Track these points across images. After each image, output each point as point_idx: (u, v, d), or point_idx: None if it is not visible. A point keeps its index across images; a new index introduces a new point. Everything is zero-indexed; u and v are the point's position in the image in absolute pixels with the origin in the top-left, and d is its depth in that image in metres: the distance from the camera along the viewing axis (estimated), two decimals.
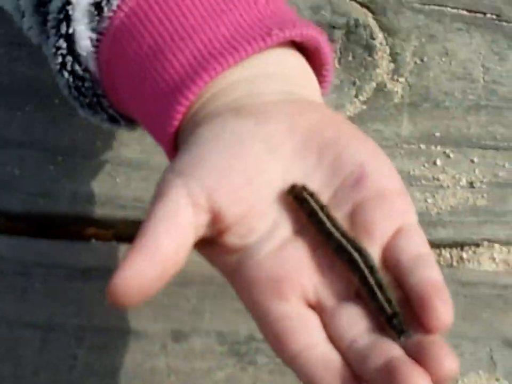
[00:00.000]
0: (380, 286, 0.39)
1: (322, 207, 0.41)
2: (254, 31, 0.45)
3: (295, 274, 0.41)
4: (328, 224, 0.40)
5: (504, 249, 0.56)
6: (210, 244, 0.42)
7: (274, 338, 0.40)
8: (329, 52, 0.47)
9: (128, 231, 0.58)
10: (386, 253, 0.42)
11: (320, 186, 0.42)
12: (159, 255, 0.39)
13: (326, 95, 0.53)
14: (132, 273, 0.37)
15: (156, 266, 0.38)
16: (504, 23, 0.59)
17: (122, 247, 0.55)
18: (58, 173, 0.55)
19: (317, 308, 0.40)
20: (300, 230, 0.42)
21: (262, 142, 0.42)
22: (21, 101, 0.57)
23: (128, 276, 0.37)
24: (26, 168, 0.56)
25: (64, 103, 0.55)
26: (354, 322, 0.40)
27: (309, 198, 0.41)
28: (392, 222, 0.42)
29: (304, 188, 0.41)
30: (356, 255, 0.39)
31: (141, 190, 0.55)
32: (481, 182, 0.56)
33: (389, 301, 0.38)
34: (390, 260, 0.41)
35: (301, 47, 0.47)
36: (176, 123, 0.44)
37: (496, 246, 0.56)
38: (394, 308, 0.38)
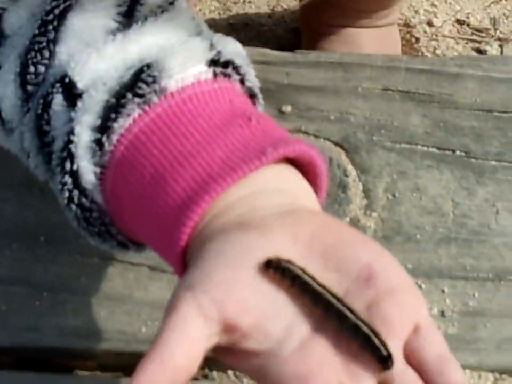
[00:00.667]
0: (376, 336, 0.39)
1: (303, 270, 0.41)
2: (249, 151, 0.46)
3: (320, 370, 0.40)
4: (315, 284, 0.41)
5: (475, 373, 0.56)
6: (230, 351, 0.42)
7: None
8: (321, 164, 0.47)
9: (111, 362, 0.59)
10: (408, 350, 0.41)
11: (334, 286, 0.42)
12: (172, 364, 0.39)
13: None
14: (147, 380, 0.37)
15: (169, 375, 0.39)
16: (473, 160, 0.61)
17: (106, 377, 0.55)
18: (44, 308, 0.56)
19: None
20: (317, 326, 0.42)
21: (268, 251, 0.42)
22: (8, 241, 0.57)
23: (143, 382, 0.37)
24: (13, 303, 0.56)
25: (49, 242, 0.58)
26: None
27: (288, 265, 0.41)
28: (409, 317, 0.42)
29: (280, 258, 0.42)
30: (345, 311, 0.39)
31: (123, 324, 0.56)
32: (452, 311, 0.57)
33: (382, 343, 0.38)
34: (413, 358, 0.41)
35: (295, 162, 0.48)
36: (182, 244, 0.44)
37: (467, 371, 0.56)
38: (386, 345, 0.38)
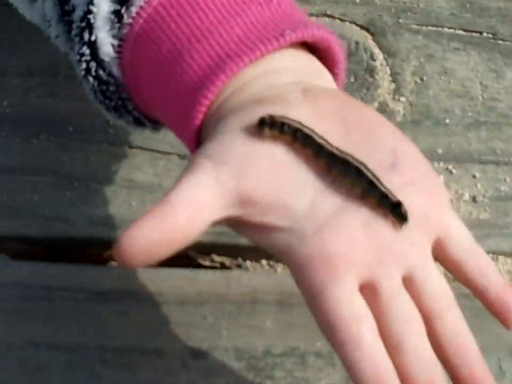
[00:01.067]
0: (379, 181, 0.40)
1: (301, 124, 0.42)
2: (268, 32, 0.46)
3: (348, 252, 0.41)
4: (316, 136, 0.41)
5: (509, 260, 0.56)
6: (254, 227, 0.42)
7: (325, 324, 0.40)
8: (340, 51, 0.48)
9: None
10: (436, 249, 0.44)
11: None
12: (170, 222, 0.39)
13: None
14: (140, 234, 0.38)
15: (165, 232, 0.39)
16: (500, 42, 0.61)
17: (139, 269, 0.56)
18: (75, 198, 0.56)
19: (370, 289, 0.41)
20: (342, 205, 0.42)
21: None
22: (35, 130, 0.58)
23: (135, 236, 0.38)
24: (43, 194, 0.57)
25: (77, 131, 0.58)
26: (404, 320, 0.41)
27: (284, 120, 0.41)
28: (436, 212, 0.44)
29: (273, 115, 0.42)
30: (349, 158, 0.40)
31: None
32: (484, 196, 0.56)
33: (390, 192, 0.40)
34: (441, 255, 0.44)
35: (313, 47, 0.47)
36: (197, 122, 0.45)
37: (501, 257, 0.56)
38: (397, 198, 0.40)
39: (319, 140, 0.41)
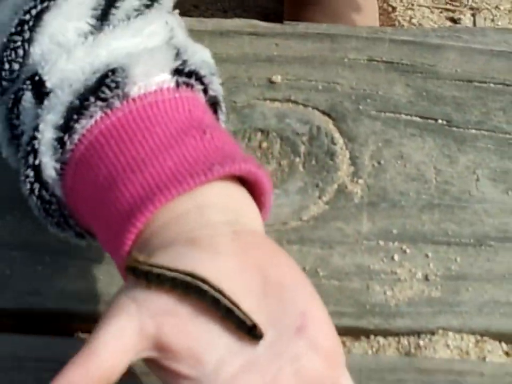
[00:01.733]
0: (237, 307, 0.43)
1: (167, 267, 0.44)
2: (198, 166, 0.48)
3: None
4: (181, 275, 0.44)
5: (458, 336, 0.58)
6: (167, 370, 0.45)
7: None
8: (267, 182, 0.50)
9: None
10: None
11: (264, 327, 0.45)
12: (95, 369, 0.42)
13: (292, 197, 0.61)
14: (65, 381, 0.41)
15: (89, 380, 0.42)
16: (454, 128, 0.63)
17: None
18: (46, 272, 0.58)
19: None
20: (247, 362, 0.45)
21: (214, 275, 0.45)
22: (9, 207, 0.60)
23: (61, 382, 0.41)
24: (15, 268, 0.59)
25: None
26: None
27: (151, 268, 0.44)
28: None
29: (139, 261, 0.44)
30: (205, 286, 0.43)
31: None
32: (436, 275, 0.58)
33: (247, 316, 0.43)
34: None
35: (242, 178, 0.50)
36: (126, 248, 0.46)
37: (450, 334, 0.58)
38: (253, 320, 0.43)
39: (185, 278, 0.45)
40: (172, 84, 0.52)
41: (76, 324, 0.58)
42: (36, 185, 0.51)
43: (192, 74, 0.53)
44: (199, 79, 0.54)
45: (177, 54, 0.54)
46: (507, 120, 0.66)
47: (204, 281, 0.43)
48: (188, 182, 0.47)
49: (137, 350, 0.43)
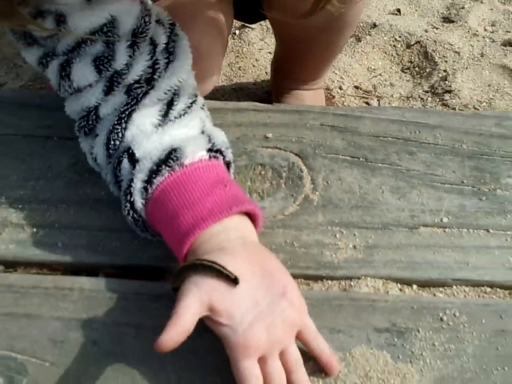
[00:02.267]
0: (231, 273, 0.48)
1: (208, 261, 0.49)
2: (223, 206, 0.53)
3: (256, 343, 0.48)
4: (217, 266, 0.48)
5: (373, 280, 0.59)
6: (214, 321, 0.49)
7: (239, 381, 0.47)
8: (259, 213, 0.55)
9: None
10: (301, 339, 0.51)
11: (264, 295, 0.49)
12: (182, 329, 0.46)
13: (278, 202, 0.64)
14: (167, 338, 0.45)
15: (180, 334, 0.46)
16: (369, 163, 0.67)
17: None
18: (144, 243, 0.61)
19: (263, 360, 0.48)
20: (257, 315, 0.49)
21: (235, 268, 0.49)
22: None
23: (165, 339, 0.45)
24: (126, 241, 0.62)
25: None
26: (277, 377, 0.48)
27: (201, 261, 0.49)
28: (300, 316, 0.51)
29: (174, 278, 0.51)
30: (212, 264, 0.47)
31: None
32: (360, 246, 0.61)
33: (233, 274, 0.47)
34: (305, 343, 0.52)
35: (247, 212, 0.55)
36: (184, 252, 0.52)
37: (369, 278, 0.59)
38: (235, 275, 0.47)
39: (215, 266, 0.49)
40: (207, 157, 0.56)
41: (159, 274, 0.61)
42: (131, 212, 0.56)
43: (218, 151, 0.58)
44: (221, 152, 0.58)
45: (209, 139, 0.58)
46: (399, 158, 0.70)
47: (224, 268, 0.49)
48: (218, 216, 0.52)
49: (200, 312, 0.48)
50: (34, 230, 0.63)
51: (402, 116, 0.74)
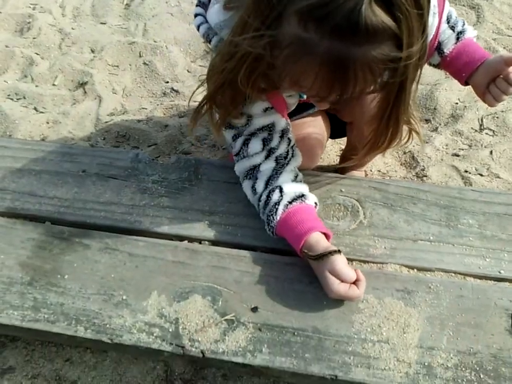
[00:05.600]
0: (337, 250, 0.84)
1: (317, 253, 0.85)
2: (318, 228, 0.87)
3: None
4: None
5: None
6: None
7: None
8: (330, 234, 0.89)
9: None
10: None
11: None
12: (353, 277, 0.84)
13: (346, 223, 1.01)
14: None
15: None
16: None
17: None
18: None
19: None
20: None
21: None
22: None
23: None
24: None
25: None
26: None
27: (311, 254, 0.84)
28: None
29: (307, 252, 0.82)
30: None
31: None
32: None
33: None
34: None
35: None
36: (300, 248, 0.85)
37: None
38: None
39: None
40: (303, 203, 0.91)
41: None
42: (269, 228, 0.91)
43: (309, 198, 0.92)
44: (310, 199, 0.93)
45: (304, 193, 0.92)
46: (408, 205, 1.09)
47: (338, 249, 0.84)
48: (316, 231, 0.87)
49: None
50: None
51: (410, 187, 1.12)
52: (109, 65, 1.89)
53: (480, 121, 1.65)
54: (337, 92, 0.67)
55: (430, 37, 0.93)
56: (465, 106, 1.69)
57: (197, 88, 0.90)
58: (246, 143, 0.96)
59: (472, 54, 0.94)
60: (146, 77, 1.83)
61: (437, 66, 1.05)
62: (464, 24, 1.01)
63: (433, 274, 0.97)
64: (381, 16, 0.61)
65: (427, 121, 1.69)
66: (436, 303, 0.93)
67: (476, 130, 1.62)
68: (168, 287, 0.96)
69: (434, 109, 1.68)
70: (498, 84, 0.90)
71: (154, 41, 1.98)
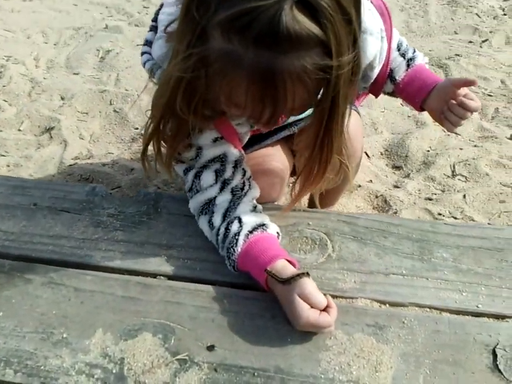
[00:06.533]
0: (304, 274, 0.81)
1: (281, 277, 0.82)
2: (282, 256, 0.83)
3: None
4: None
5: None
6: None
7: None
8: (296, 263, 0.85)
9: None
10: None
11: None
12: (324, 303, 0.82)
13: (313, 256, 0.96)
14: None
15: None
16: None
17: None
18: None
19: None
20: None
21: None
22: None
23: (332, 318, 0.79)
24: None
25: None
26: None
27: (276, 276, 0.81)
28: None
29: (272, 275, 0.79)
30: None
31: None
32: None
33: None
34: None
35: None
36: (264, 279, 0.81)
37: None
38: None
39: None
40: (264, 233, 0.88)
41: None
42: (230, 262, 0.88)
43: (269, 227, 0.90)
44: (271, 228, 0.91)
45: (264, 223, 0.90)
46: (379, 239, 1.07)
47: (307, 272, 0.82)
48: (281, 258, 0.84)
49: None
50: None
51: (381, 221, 1.09)
52: (78, 112, 1.89)
53: (452, 168, 1.68)
54: (270, 107, 0.66)
55: (382, 62, 0.94)
56: (437, 154, 1.73)
57: (145, 124, 0.87)
58: (197, 175, 0.94)
59: (424, 79, 0.97)
60: (115, 124, 1.83)
61: (391, 94, 1.07)
62: (414, 51, 1.05)
63: (407, 310, 0.91)
64: (303, 22, 0.60)
65: (398, 168, 1.72)
66: (410, 339, 0.86)
67: (448, 176, 1.65)
68: (115, 324, 0.88)
69: (406, 156, 1.72)
70: (452, 109, 0.92)
71: (126, 90, 2.00)
